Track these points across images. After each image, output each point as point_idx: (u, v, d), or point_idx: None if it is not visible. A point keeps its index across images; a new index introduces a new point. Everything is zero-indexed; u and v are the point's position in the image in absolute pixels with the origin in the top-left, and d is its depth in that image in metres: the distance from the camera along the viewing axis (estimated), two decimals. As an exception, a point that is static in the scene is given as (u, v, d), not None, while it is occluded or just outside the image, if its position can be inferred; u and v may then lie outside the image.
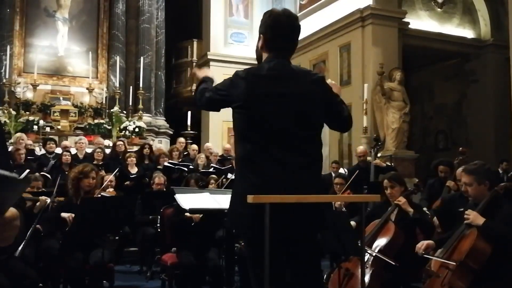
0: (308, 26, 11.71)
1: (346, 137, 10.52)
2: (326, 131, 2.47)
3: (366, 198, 2.89)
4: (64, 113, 10.97)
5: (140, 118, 11.46)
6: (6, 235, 1.20)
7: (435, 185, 5.95)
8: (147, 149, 8.10)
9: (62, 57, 11.82)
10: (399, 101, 9.93)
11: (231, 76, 2.35)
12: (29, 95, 11.15)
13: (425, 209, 5.28)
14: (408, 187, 4.11)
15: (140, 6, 12.38)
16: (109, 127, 11.09)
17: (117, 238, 5.59)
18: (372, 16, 10.24)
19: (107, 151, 8.55)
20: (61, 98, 11.56)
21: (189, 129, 11.38)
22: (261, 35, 2.35)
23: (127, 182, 6.98)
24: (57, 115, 10.86)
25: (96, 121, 11.18)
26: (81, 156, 8.01)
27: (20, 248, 3.40)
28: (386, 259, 3.45)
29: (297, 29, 2.36)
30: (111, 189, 5.77)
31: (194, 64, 13.71)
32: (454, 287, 3.00)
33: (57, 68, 11.79)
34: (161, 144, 10.77)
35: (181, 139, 9.47)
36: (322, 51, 11.61)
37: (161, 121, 12.44)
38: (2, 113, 10.44)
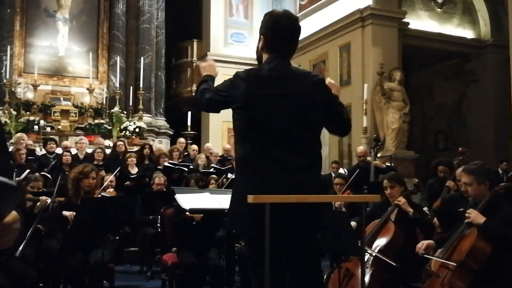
0: (308, 26, 11.70)
1: (346, 137, 10.51)
2: (325, 131, 2.47)
3: (366, 198, 2.89)
4: (65, 113, 10.98)
5: (140, 118, 11.47)
6: (6, 239, 1.21)
7: (435, 185, 5.95)
8: (147, 149, 8.10)
9: (62, 57, 11.83)
10: (399, 101, 9.94)
11: (231, 77, 2.35)
12: (30, 95, 11.16)
13: (425, 209, 5.29)
14: (408, 187, 4.11)
15: (140, 6, 12.39)
16: (110, 127, 11.10)
17: (117, 238, 5.60)
18: (372, 16, 10.25)
19: (107, 151, 8.56)
20: (61, 99, 11.57)
21: (189, 130, 11.39)
22: (261, 36, 2.36)
23: (127, 182, 6.98)
24: (57, 115, 10.87)
25: (96, 121, 11.18)
26: (81, 156, 8.02)
27: (20, 248, 3.41)
28: (387, 260, 3.45)
29: (298, 30, 2.36)
30: (111, 189, 5.77)
31: (194, 64, 13.71)
32: (454, 287, 3.00)
33: (58, 68, 11.79)
34: (161, 145, 10.77)
35: (181, 139, 9.47)
36: (322, 51, 11.62)
37: (161, 121, 12.45)
38: (2, 113, 10.45)
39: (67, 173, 6.26)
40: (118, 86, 11.80)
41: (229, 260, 4.63)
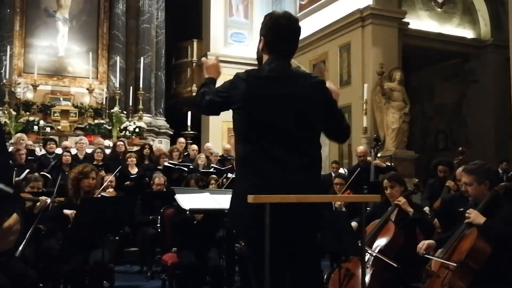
0: (308, 26, 11.70)
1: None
2: (325, 131, 2.47)
3: (366, 198, 2.89)
4: (64, 113, 10.97)
5: (140, 118, 11.47)
6: (7, 241, 1.21)
7: (435, 185, 5.95)
8: (147, 149, 8.10)
9: (62, 58, 11.82)
10: (399, 101, 9.94)
11: (231, 77, 2.36)
12: (29, 95, 11.15)
13: (427, 208, 5.30)
14: (408, 187, 4.11)
15: (140, 6, 12.38)
16: (109, 128, 11.09)
17: (117, 238, 5.60)
18: (372, 16, 10.25)
19: (107, 151, 8.56)
20: (61, 99, 11.56)
21: (189, 129, 11.39)
22: (261, 37, 2.36)
23: (127, 182, 6.98)
24: (57, 116, 10.86)
25: (96, 121, 11.18)
26: (81, 156, 8.02)
27: (20, 248, 3.40)
28: (387, 260, 3.45)
29: (298, 31, 2.37)
30: (111, 189, 5.77)
31: (194, 64, 13.72)
32: (455, 287, 3.00)
33: (57, 68, 11.78)
34: (161, 145, 10.77)
35: (181, 139, 9.47)
36: (322, 51, 11.62)
37: (161, 121, 12.45)
38: (2, 113, 10.45)
39: (67, 173, 6.26)
40: (118, 86, 11.80)
41: (229, 260, 4.63)
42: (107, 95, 11.78)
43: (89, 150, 8.41)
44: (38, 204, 4.13)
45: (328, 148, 10.63)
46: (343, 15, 10.78)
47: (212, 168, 7.77)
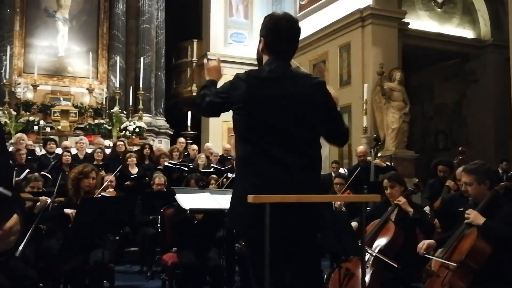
0: (308, 26, 11.70)
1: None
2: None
3: (366, 198, 2.89)
4: (64, 113, 10.97)
5: (140, 118, 11.47)
6: (7, 241, 1.22)
7: (435, 185, 5.96)
8: (147, 149, 8.11)
9: (62, 58, 11.82)
10: (399, 101, 9.94)
11: (231, 78, 2.36)
12: (29, 95, 11.15)
13: (427, 208, 5.30)
14: (408, 187, 4.11)
15: (140, 6, 12.38)
16: (109, 127, 11.09)
17: (117, 238, 5.60)
18: (372, 16, 10.25)
19: (107, 151, 8.56)
20: (61, 99, 11.56)
21: (189, 129, 11.39)
22: (261, 38, 2.37)
23: (128, 182, 6.99)
24: (57, 116, 10.86)
25: (96, 121, 11.18)
26: (81, 156, 8.02)
27: (20, 248, 3.40)
28: (387, 261, 3.45)
29: (298, 32, 2.37)
30: (111, 189, 5.77)
31: (194, 64, 13.72)
32: (455, 287, 3.00)
33: (57, 68, 11.78)
34: (161, 144, 10.77)
35: (181, 139, 9.48)
36: (322, 51, 11.62)
37: (161, 121, 12.45)
38: (2, 113, 10.45)
39: (67, 173, 6.26)
40: (118, 86, 11.80)
41: (229, 260, 4.63)
42: (107, 95, 11.78)
43: (89, 150, 8.42)
44: (38, 204, 4.13)
45: (328, 148, 10.62)
46: (343, 15, 10.78)
47: (212, 168, 7.77)
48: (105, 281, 4.29)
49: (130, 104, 11.72)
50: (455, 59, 12.85)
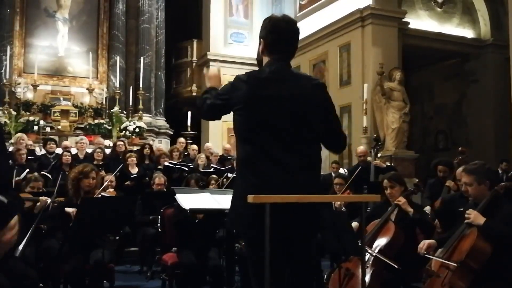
0: (308, 26, 11.70)
1: (346, 137, 10.50)
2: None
3: (366, 198, 2.89)
4: (64, 113, 10.97)
5: (140, 118, 11.47)
6: (6, 246, 1.22)
7: (435, 185, 5.96)
8: (147, 149, 8.11)
9: (62, 58, 11.82)
10: (399, 101, 9.93)
11: (230, 77, 2.37)
12: (29, 95, 11.15)
13: (428, 208, 5.30)
14: (408, 187, 4.11)
15: (140, 6, 12.38)
16: (109, 127, 11.09)
17: (117, 238, 5.60)
18: (372, 16, 10.24)
19: (107, 151, 8.56)
20: (61, 99, 11.56)
21: (189, 129, 11.38)
22: (261, 40, 2.39)
23: (128, 182, 6.99)
24: (57, 116, 10.86)
25: (96, 121, 11.18)
26: (81, 156, 8.02)
27: (20, 248, 3.40)
28: (388, 261, 3.45)
29: (297, 33, 2.40)
30: (111, 189, 5.77)
31: (194, 64, 13.72)
32: (455, 287, 3.00)
33: (57, 68, 11.78)
34: (161, 144, 10.77)
35: (181, 139, 9.48)
36: (322, 51, 11.61)
37: (161, 121, 12.45)
38: (2, 113, 10.45)
39: (67, 173, 6.26)
40: (118, 86, 11.80)
41: (229, 260, 4.64)
42: (107, 95, 11.78)
43: (89, 150, 8.42)
44: (38, 204, 4.13)
45: (328, 148, 10.62)
46: (343, 15, 10.77)
47: (212, 168, 7.77)
48: (105, 281, 4.28)
49: (130, 104, 11.72)
50: (455, 59, 12.85)
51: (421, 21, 11.71)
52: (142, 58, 11.86)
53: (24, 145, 7.53)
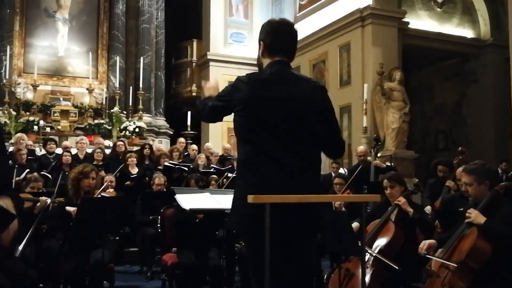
0: (308, 26, 11.70)
1: (346, 137, 10.52)
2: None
3: (366, 198, 2.89)
4: (64, 113, 10.97)
5: (140, 118, 11.47)
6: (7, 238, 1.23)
7: (435, 185, 5.96)
8: (147, 149, 8.11)
9: (62, 58, 11.82)
10: (399, 101, 9.93)
11: (230, 77, 2.38)
12: (29, 95, 11.15)
13: (428, 208, 5.30)
14: (408, 187, 4.11)
15: (140, 6, 12.38)
16: (109, 127, 11.09)
17: (117, 238, 5.60)
18: (372, 16, 10.24)
19: (107, 151, 8.56)
20: (61, 99, 11.55)
21: (189, 129, 11.38)
22: (261, 43, 2.40)
23: (128, 182, 6.99)
24: (57, 116, 10.86)
25: (96, 121, 11.18)
26: (81, 156, 8.02)
27: (20, 248, 3.40)
28: (388, 262, 3.45)
29: (295, 34, 2.42)
30: (111, 190, 5.77)
31: (194, 64, 13.72)
32: (455, 287, 3.00)
33: (57, 68, 11.78)
34: (161, 145, 10.77)
35: (181, 139, 9.47)
36: (322, 51, 11.61)
37: (161, 121, 12.45)
38: (2, 113, 10.45)
39: (67, 173, 6.26)
40: (117, 86, 11.80)
41: (229, 260, 4.64)
42: (107, 95, 11.78)
43: (89, 150, 8.41)
44: (38, 204, 4.13)
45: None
46: (343, 15, 10.77)
47: (212, 169, 7.76)
48: (105, 281, 4.28)
49: (130, 104, 11.72)
50: (455, 59, 12.85)
51: (421, 21, 11.71)
52: (142, 58, 11.86)
53: (24, 145, 7.53)
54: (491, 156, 10.81)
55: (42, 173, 6.33)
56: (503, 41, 10.25)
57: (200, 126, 12.85)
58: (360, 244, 2.77)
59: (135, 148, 9.44)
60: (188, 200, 3.98)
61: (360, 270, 3.17)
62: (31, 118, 10.48)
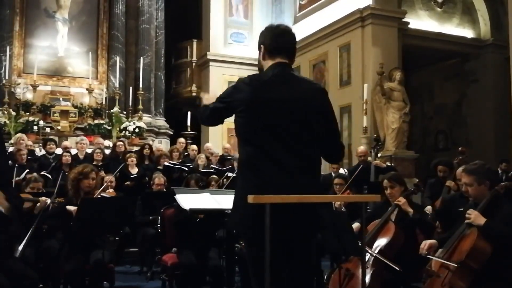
0: (308, 26, 11.70)
1: (346, 137, 10.53)
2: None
3: (366, 198, 2.89)
4: (64, 113, 10.96)
5: (140, 118, 11.47)
6: None
7: (435, 185, 5.96)
8: (147, 149, 8.11)
9: (62, 58, 11.81)
10: (399, 101, 9.93)
11: (230, 77, 2.40)
12: (29, 95, 11.14)
13: (429, 207, 5.30)
14: (408, 187, 4.11)
15: (139, 6, 12.38)
16: (109, 128, 11.09)
17: (117, 238, 5.60)
18: (371, 16, 10.24)
19: (107, 151, 8.55)
20: (61, 99, 11.55)
21: (189, 130, 11.37)
22: (261, 46, 2.43)
23: (128, 182, 6.99)
24: (57, 116, 10.85)
25: (96, 121, 11.17)
26: (81, 157, 8.01)
27: (20, 248, 3.40)
28: (388, 263, 3.45)
29: (294, 38, 2.46)
30: (111, 190, 5.77)
31: (194, 64, 13.72)
32: (455, 287, 3.00)
33: (57, 68, 11.78)
34: (161, 145, 10.76)
35: (181, 140, 9.47)
36: (322, 51, 11.61)
37: (161, 122, 12.45)
38: (2, 114, 10.45)
39: (67, 173, 6.26)
40: (117, 86, 11.80)
41: (229, 260, 4.64)
42: (106, 95, 11.77)
43: (88, 151, 8.41)
44: (38, 204, 4.13)
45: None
46: (343, 15, 10.77)
47: (212, 169, 7.76)
48: (105, 282, 4.28)
49: (130, 104, 11.71)
50: (455, 59, 12.85)
51: (421, 21, 11.71)
52: (141, 58, 11.86)
53: (24, 146, 7.53)
54: (491, 156, 10.81)
55: (42, 173, 6.33)
56: (503, 41, 10.25)
57: (200, 126, 12.84)
58: (360, 244, 2.77)
59: (135, 148, 9.43)
60: (188, 200, 3.98)
61: (360, 270, 3.17)
62: (31, 119, 10.47)
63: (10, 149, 7.28)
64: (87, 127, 10.99)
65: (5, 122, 10.07)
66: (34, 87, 10.87)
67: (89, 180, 4.26)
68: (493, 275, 3.00)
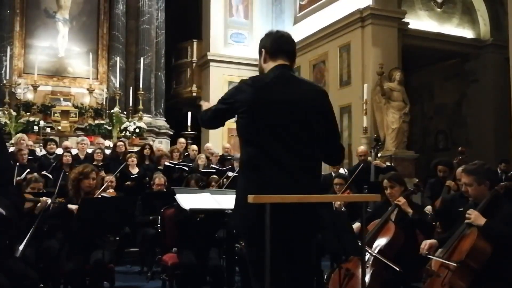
0: (308, 27, 11.71)
1: (346, 137, 10.53)
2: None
3: (366, 198, 2.89)
4: (65, 114, 10.97)
5: (140, 118, 11.47)
6: None
7: (435, 185, 5.96)
8: (147, 149, 8.11)
9: (62, 58, 11.82)
10: (399, 101, 9.93)
11: (230, 77, 2.41)
12: (30, 96, 11.15)
13: (429, 207, 5.30)
14: (408, 187, 4.11)
15: (140, 7, 12.39)
16: (110, 128, 11.10)
17: (117, 238, 5.60)
18: (371, 16, 10.24)
19: (107, 151, 8.56)
20: (61, 99, 11.56)
21: (189, 130, 11.38)
22: (262, 50, 2.47)
23: (128, 182, 6.99)
24: (57, 116, 10.86)
25: (96, 121, 11.18)
26: (82, 157, 8.02)
27: (20, 248, 3.41)
28: (388, 263, 3.45)
29: (293, 41, 2.50)
30: (111, 190, 5.77)
31: (194, 64, 13.72)
32: (455, 287, 3.00)
33: (58, 69, 11.79)
34: (161, 145, 10.77)
35: (182, 140, 9.48)
36: (322, 51, 11.61)
37: (161, 122, 12.45)
38: (2, 114, 10.46)
39: (67, 173, 6.26)
40: (118, 86, 11.80)
41: (229, 260, 4.64)
42: (107, 95, 11.78)
43: (89, 151, 8.42)
44: (38, 205, 4.13)
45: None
46: (343, 16, 10.77)
47: (212, 169, 7.76)
48: (105, 282, 4.29)
49: (130, 104, 11.73)
50: (455, 59, 12.84)
51: (421, 21, 11.71)
52: (142, 58, 11.87)
53: (25, 146, 7.54)
54: (491, 156, 10.80)
55: (42, 173, 6.33)
56: (503, 41, 10.25)
57: (200, 126, 12.85)
58: (360, 244, 2.77)
59: (135, 149, 9.44)
60: (188, 200, 3.98)
61: (360, 270, 3.17)
62: (32, 119, 10.48)
63: (11, 149, 7.28)
64: (88, 127, 10.99)
65: (5, 122, 10.08)
66: (35, 87, 10.88)
67: (89, 180, 4.27)
68: (493, 275, 3.00)
